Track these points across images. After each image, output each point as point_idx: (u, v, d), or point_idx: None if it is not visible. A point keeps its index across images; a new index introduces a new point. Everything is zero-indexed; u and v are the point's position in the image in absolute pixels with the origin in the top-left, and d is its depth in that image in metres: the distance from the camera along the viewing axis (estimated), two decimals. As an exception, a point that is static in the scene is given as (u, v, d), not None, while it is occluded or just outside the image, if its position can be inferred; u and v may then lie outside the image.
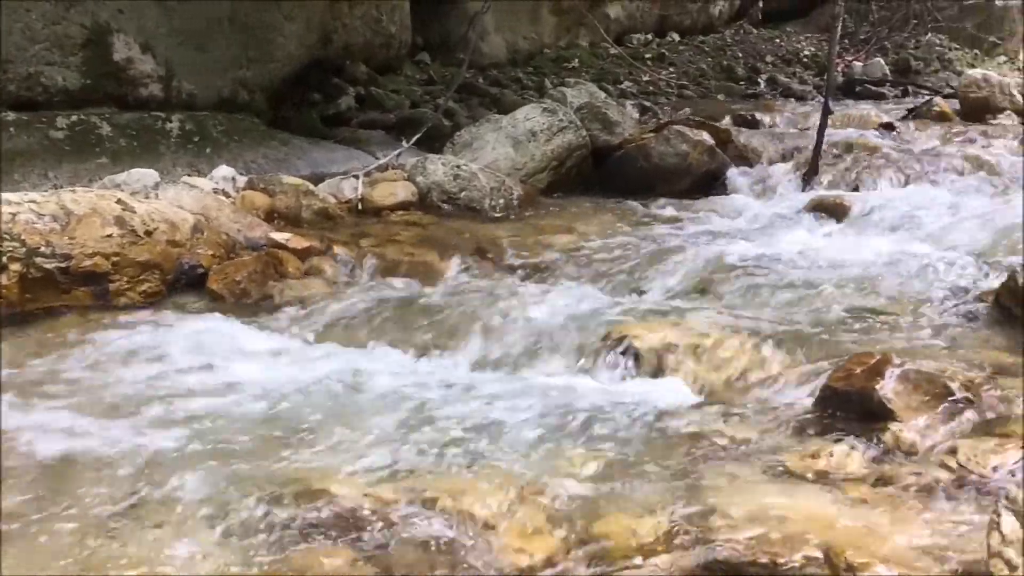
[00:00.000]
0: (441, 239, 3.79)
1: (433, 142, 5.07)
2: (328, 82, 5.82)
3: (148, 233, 3.14)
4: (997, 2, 11.14)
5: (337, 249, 3.54)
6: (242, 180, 4.12)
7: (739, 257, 3.47)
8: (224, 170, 4.13)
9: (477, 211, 4.27)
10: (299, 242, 3.53)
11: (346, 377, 2.44)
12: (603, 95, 5.96)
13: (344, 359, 2.60)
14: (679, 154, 4.82)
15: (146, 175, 3.78)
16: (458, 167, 4.41)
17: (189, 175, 4.17)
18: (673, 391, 2.37)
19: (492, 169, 4.58)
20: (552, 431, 2.11)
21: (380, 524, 1.70)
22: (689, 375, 2.43)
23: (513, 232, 3.97)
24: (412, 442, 2.04)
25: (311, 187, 4.15)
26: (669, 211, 4.38)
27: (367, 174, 4.45)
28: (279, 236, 3.56)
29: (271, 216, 3.88)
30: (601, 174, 4.91)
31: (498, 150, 4.77)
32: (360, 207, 4.20)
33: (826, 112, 5.10)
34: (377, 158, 4.88)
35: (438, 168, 4.38)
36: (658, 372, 2.46)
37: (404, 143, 4.97)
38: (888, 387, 2.05)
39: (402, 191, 4.30)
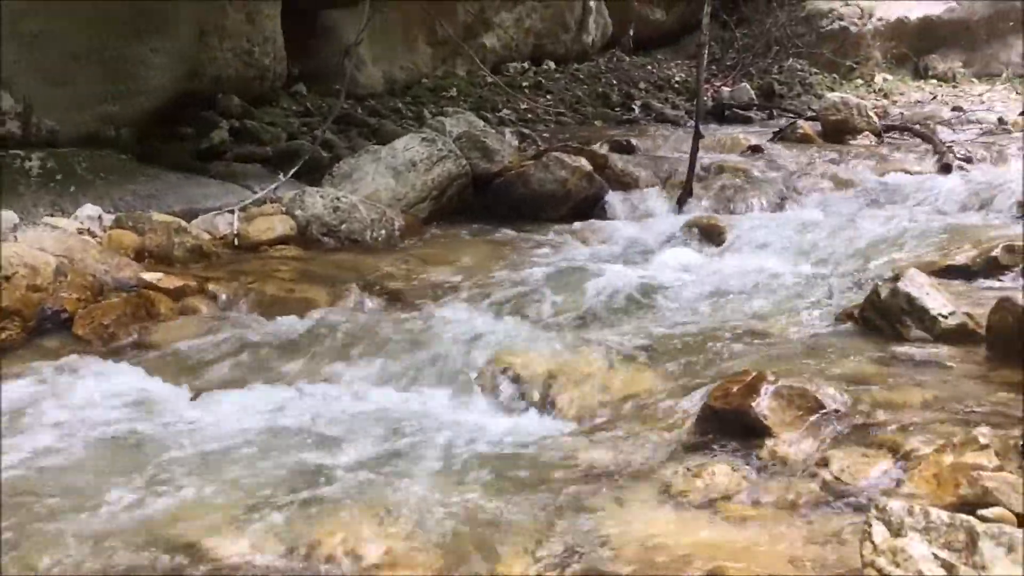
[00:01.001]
0: (321, 273, 3.72)
1: (312, 174, 4.99)
2: (200, 115, 5.67)
3: (6, 279, 2.98)
4: (851, 28, 11.78)
5: (212, 287, 3.43)
6: (109, 219, 3.96)
7: (619, 281, 3.53)
8: (89, 209, 3.96)
9: (358, 243, 4.22)
10: (171, 281, 3.40)
11: (220, 417, 2.36)
12: (482, 124, 6.00)
13: (217, 399, 2.51)
14: (558, 180, 4.88)
15: (4, 217, 3.59)
16: (338, 199, 4.35)
17: (52, 215, 3.98)
18: (556, 417, 2.38)
19: (373, 200, 4.54)
20: (433, 463, 2.09)
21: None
22: (572, 401, 2.45)
23: (395, 263, 3.93)
24: (282, 482, 1.97)
25: (183, 224, 4.01)
26: (550, 237, 4.42)
27: (243, 209, 4.34)
28: (150, 276, 3.43)
29: (141, 255, 3.73)
30: (482, 202, 4.92)
31: (378, 181, 4.73)
32: (236, 243, 4.09)
33: (697, 136, 5.26)
34: (254, 192, 4.76)
35: (317, 201, 4.31)
36: (541, 399, 2.47)
37: (282, 176, 4.87)
38: (763, 404, 2.10)
39: (280, 225, 4.21)
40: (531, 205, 4.84)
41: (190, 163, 5.23)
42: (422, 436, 2.26)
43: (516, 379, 2.51)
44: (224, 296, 3.39)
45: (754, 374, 2.21)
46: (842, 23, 11.70)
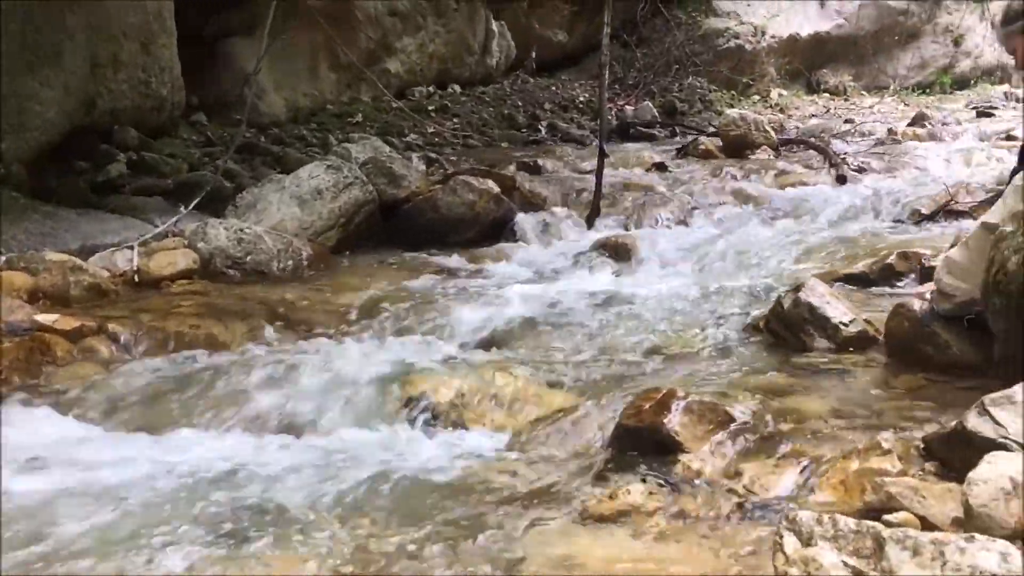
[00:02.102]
0: (227, 307, 3.62)
1: (215, 205, 4.86)
2: (96, 148, 5.49)
3: None
4: (746, 46, 12.14)
5: (112, 327, 3.29)
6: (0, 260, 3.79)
7: (530, 302, 3.54)
8: (-23, 250, 3.79)
9: (265, 275, 4.13)
10: (68, 323, 3.26)
11: (120, 462, 2.26)
12: (388, 149, 5.96)
13: (114, 443, 2.41)
14: (466, 203, 4.88)
15: None
16: (242, 230, 4.26)
17: (-63, 259, 3.79)
18: (472, 442, 2.36)
19: (279, 230, 4.46)
20: (344, 494, 2.04)
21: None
22: (486, 424, 2.44)
23: (304, 293, 3.86)
24: (192, 530, 1.90)
25: (79, 262, 3.86)
26: (460, 261, 4.41)
27: (143, 243, 4.20)
28: (44, 318, 3.28)
29: (35, 296, 3.57)
30: (391, 228, 4.88)
31: (283, 210, 4.64)
32: (137, 279, 3.95)
33: (602, 156, 5.33)
34: (155, 226, 4.61)
35: (220, 233, 4.20)
36: (456, 424, 2.45)
37: (183, 208, 4.73)
38: (675, 420, 2.12)
39: (182, 259, 4.09)
40: (440, 229, 4.81)
41: (87, 198, 5.06)
42: (333, 468, 2.21)
43: (428, 405, 2.49)
44: (124, 336, 3.26)
45: (665, 390, 2.23)
46: (737, 41, 12.05)
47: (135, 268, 3.98)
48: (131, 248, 4.11)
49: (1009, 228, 2.15)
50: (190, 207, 4.72)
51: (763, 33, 12.31)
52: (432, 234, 4.79)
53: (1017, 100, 12.28)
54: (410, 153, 6.72)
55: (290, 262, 4.23)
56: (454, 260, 4.43)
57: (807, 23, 13.01)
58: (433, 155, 6.74)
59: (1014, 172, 2.94)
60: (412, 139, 7.35)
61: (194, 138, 6.45)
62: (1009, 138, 7.68)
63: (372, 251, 4.68)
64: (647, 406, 2.19)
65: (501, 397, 2.50)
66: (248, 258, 4.14)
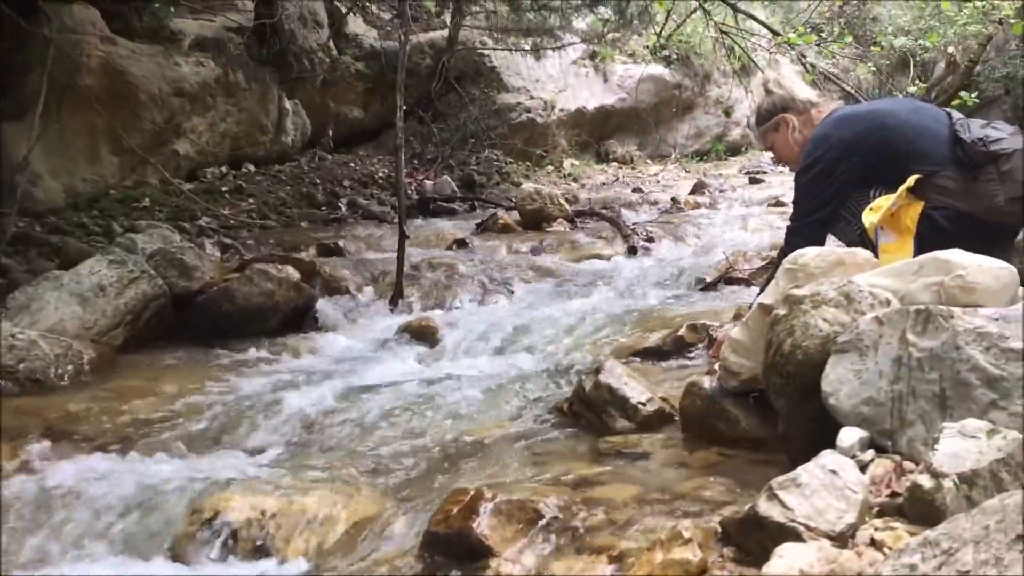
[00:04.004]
0: (-4, 424, 3.30)
1: (-17, 306, 4.47)
2: None
3: None
4: (537, 119, 12.60)
5: None
6: None
7: (333, 397, 3.45)
8: None
9: (42, 383, 3.80)
10: None
11: None
12: (179, 238, 5.72)
13: None
14: (264, 293, 4.72)
15: None
16: (13, 336, 3.91)
17: None
18: (276, 564, 2.23)
19: (57, 332, 4.13)
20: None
21: None
22: (290, 543, 2.31)
23: (87, 402, 3.58)
24: None
25: None
26: (260, 354, 4.25)
27: None
28: None
29: None
30: (185, 322, 4.64)
31: (62, 310, 4.32)
32: None
33: (402, 237, 5.33)
34: (-91, 334, 4.17)
35: (-12, 340, 3.85)
36: (258, 545, 2.31)
37: (-57, 313, 4.32)
38: (484, 523, 2.09)
39: (-58, 373, 3.71)
40: (238, 321, 4.62)
41: None
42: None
43: (230, 526, 2.33)
44: None
45: (472, 492, 2.20)
46: (529, 115, 12.49)
47: None
48: None
49: (782, 312, 2.29)
50: (-48, 312, 4.31)
51: (553, 107, 12.84)
52: (230, 326, 4.59)
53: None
54: (203, 239, 6.47)
55: (70, 367, 3.93)
56: (253, 354, 4.26)
57: (592, 98, 13.71)
58: (228, 240, 6.52)
59: (782, 254, 3.18)
60: (205, 223, 7.07)
61: (-43, 231, 5.93)
62: (778, 204, 8.34)
63: (165, 349, 4.42)
64: (455, 510, 2.15)
65: (305, 510, 2.38)
66: (21, 366, 3.81)
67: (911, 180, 2.95)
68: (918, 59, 16.19)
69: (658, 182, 12.04)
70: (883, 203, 2.98)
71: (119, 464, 2.87)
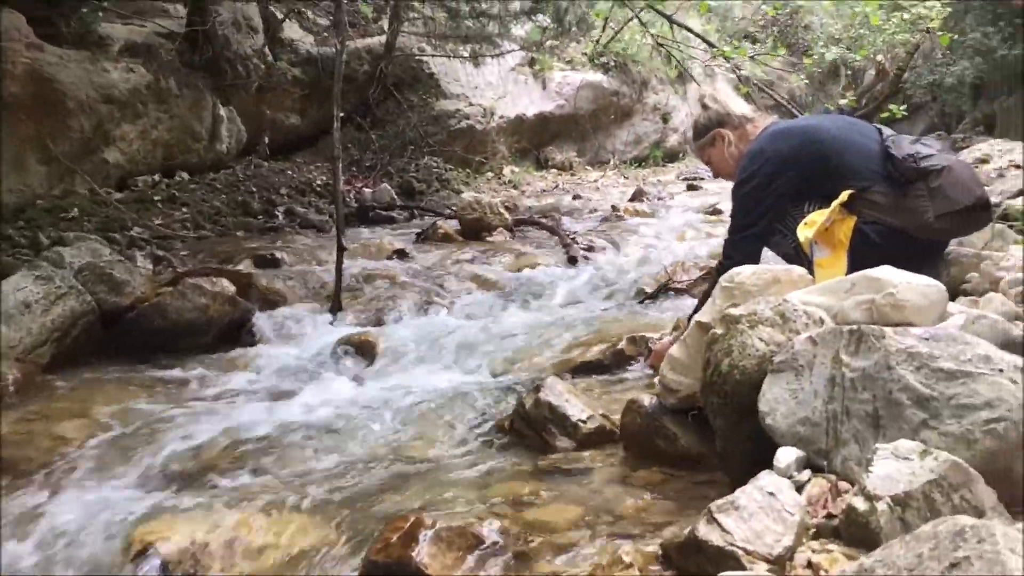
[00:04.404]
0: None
1: (-100, 325, 4.29)
2: None
3: None
4: (476, 126, 12.58)
5: None
6: None
7: (271, 414, 3.39)
8: None
9: (-37, 406, 3.67)
10: None
11: None
12: (108, 251, 5.56)
13: None
14: (198, 308, 4.61)
15: None
16: (-67, 357, 3.77)
17: None
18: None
19: (-21, 351, 3.99)
20: None
21: None
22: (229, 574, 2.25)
23: (11, 425, 3.44)
24: None
25: None
26: (194, 372, 4.14)
27: None
28: None
29: None
30: (116, 339, 4.50)
31: (-15, 328, 4.17)
32: None
33: (340, 249, 5.26)
34: None
35: (-95, 362, 3.70)
36: (192, 578, 2.25)
37: None
38: (424, 551, 2.06)
39: None
40: (171, 337, 4.51)
41: None
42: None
43: (162, 560, 2.26)
44: None
45: (412, 519, 2.17)
46: (468, 122, 12.48)
47: None
48: None
49: (719, 331, 2.31)
50: None
51: (492, 114, 12.84)
52: (163, 342, 4.48)
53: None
54: (134, 250, 6.31)
55: (-6, 389, 3.79)
56: (187, 371, 4.15)
57: (532, 105, 13.75)
58: (161, 252, 6.36)
59: (719, 267, 3.21)
60: (137, 233, 6.89)
61: None
62: (715, 212, 8.45)
63: (94, 367, 4.28)
64: (395, 538, 2.11)
65: (241, 540, 2.32)
66: (-59, 389, 3.67)
67: (844, 195, 3.00)
68: (849, 67, 16.60)
69: (597, 188, 12.12)
70: (817, 218, 3.02)
71: (41, 495, 2.76)
